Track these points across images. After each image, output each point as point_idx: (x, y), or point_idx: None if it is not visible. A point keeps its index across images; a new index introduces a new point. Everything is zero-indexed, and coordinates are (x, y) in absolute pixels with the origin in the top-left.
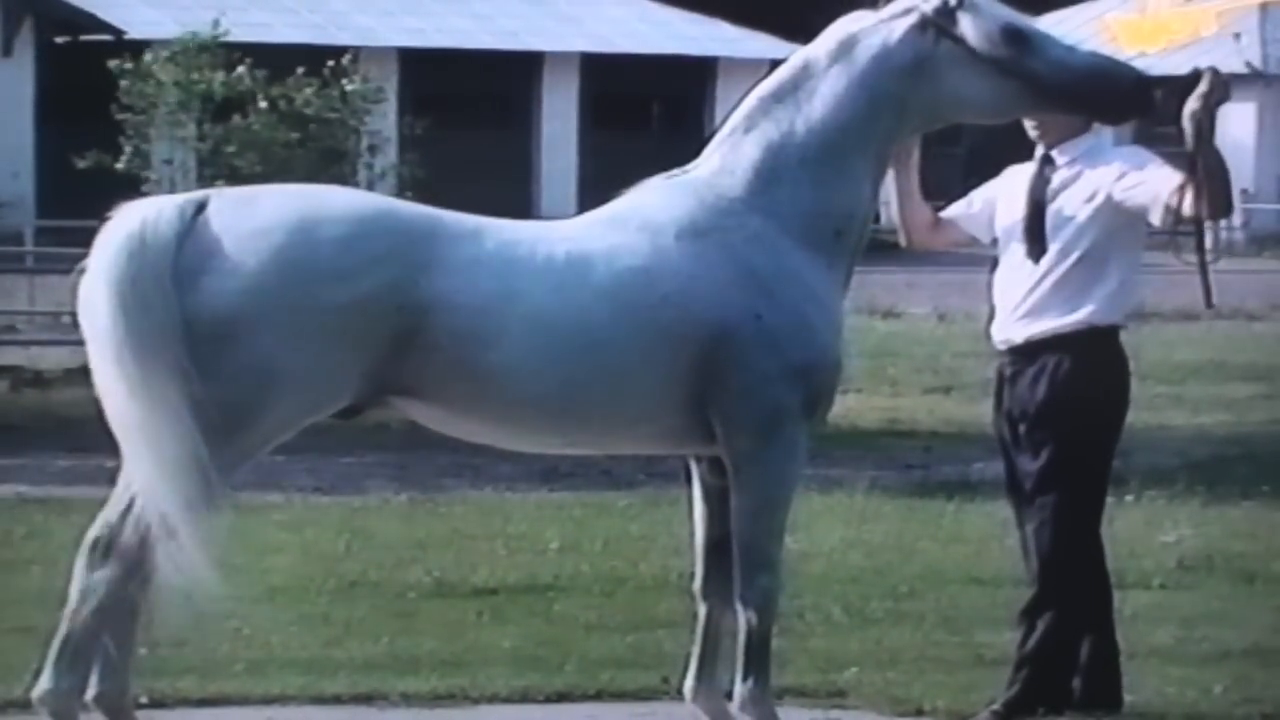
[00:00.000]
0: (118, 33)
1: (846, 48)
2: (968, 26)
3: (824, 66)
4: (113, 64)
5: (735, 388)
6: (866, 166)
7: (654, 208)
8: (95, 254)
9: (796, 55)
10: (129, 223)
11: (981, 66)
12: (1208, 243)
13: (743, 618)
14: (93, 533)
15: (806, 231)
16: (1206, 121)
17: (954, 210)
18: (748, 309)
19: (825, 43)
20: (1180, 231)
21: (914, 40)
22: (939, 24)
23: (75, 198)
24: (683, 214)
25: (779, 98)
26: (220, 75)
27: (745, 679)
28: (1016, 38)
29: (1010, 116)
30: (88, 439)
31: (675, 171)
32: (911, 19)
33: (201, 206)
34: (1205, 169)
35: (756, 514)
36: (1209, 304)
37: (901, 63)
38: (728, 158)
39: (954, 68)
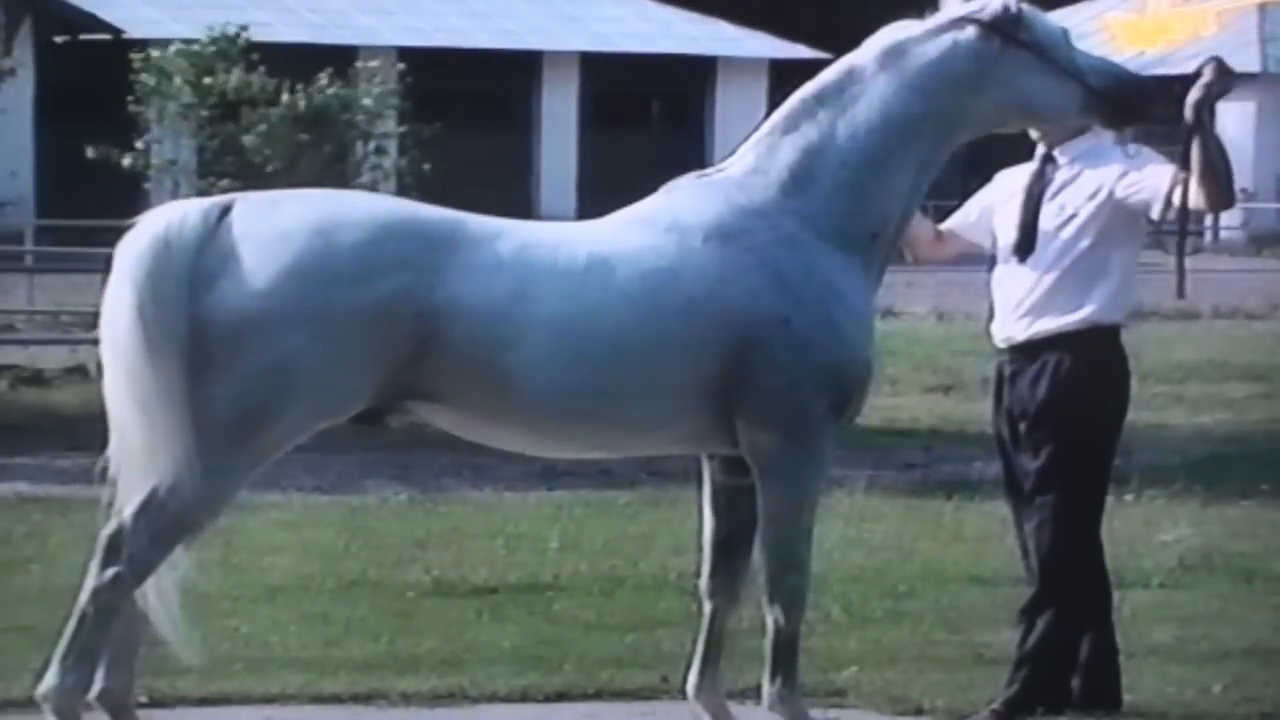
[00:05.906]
0: (118, 32)
1: (895, 55)
2: (1038, 29)
3: (871, 73)
4: (137, 56)
5: (762, 390)
6: (908, 172)
7: (682, 209)
8: (119, 258)
9: (841, 61)
10: (154, 226)
11: (1049, 69)
12: (1205, 240)
13: (770, 617)
14: (107, 530)
15: (840, 234)
16: (1207, 111)
17: (953, 222)
18: (775, 311)
19: (871, 49)
20: (1168, 230)
21: (977, 49)
22: (1004, 30)
23: (75, 197)
24: (711, 215)
25: (821, 100)
26: (234, 78)
27: (773, 679)
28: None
29: (1070, 121)
30: (88, 438)
31: (708, 171)
32: (969, 29)
33: (226, 210)
34: (1206, 159)
35: (783, 515)
36: (1181, 294)
37: (962, 72)
38: (763, 159)
39: (1022, 73)
